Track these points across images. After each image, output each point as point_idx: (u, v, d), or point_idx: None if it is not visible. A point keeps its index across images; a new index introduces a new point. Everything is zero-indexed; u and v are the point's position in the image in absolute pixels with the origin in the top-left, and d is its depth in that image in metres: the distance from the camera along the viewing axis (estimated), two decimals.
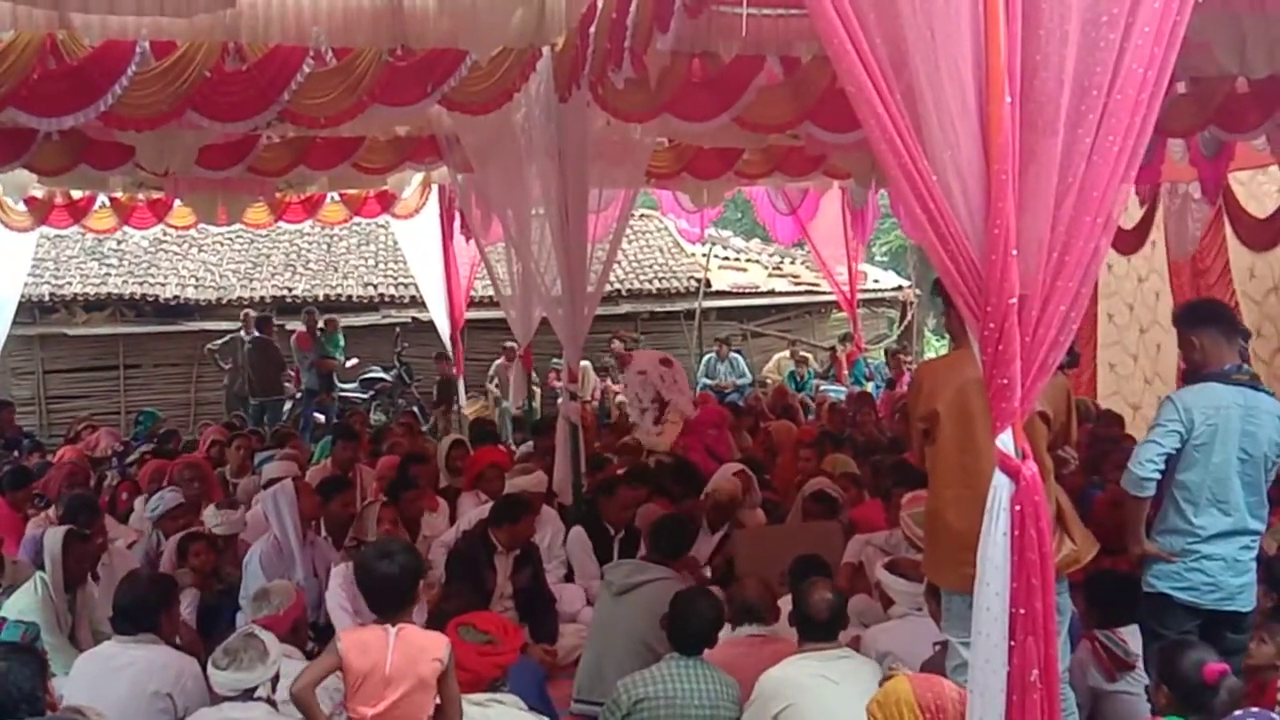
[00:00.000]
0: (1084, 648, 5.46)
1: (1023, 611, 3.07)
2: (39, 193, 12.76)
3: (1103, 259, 3.34)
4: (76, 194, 12.93)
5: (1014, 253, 3.05)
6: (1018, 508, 3.09)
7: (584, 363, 11.60)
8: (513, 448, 11.27)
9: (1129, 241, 11.62)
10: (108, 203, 13.32)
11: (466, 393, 16.48)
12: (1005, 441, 3.12)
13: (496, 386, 16.19)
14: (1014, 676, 3.07)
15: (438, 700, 3.99)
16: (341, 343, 16.71)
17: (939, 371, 4.88)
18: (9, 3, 5.70)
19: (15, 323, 15.36)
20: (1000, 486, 3.12)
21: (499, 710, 4.43)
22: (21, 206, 13.15)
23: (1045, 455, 4.67)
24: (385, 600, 4.13)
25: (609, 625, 6.04)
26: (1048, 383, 3.33)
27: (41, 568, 6.57)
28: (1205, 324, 5.40)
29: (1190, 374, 5.41)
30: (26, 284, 15.65)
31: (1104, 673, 5.48)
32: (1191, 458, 5.10)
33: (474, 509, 7.87)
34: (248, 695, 4.60)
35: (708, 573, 7.19)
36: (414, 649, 3.99)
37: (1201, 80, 7.74)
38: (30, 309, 16.39)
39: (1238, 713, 3.23)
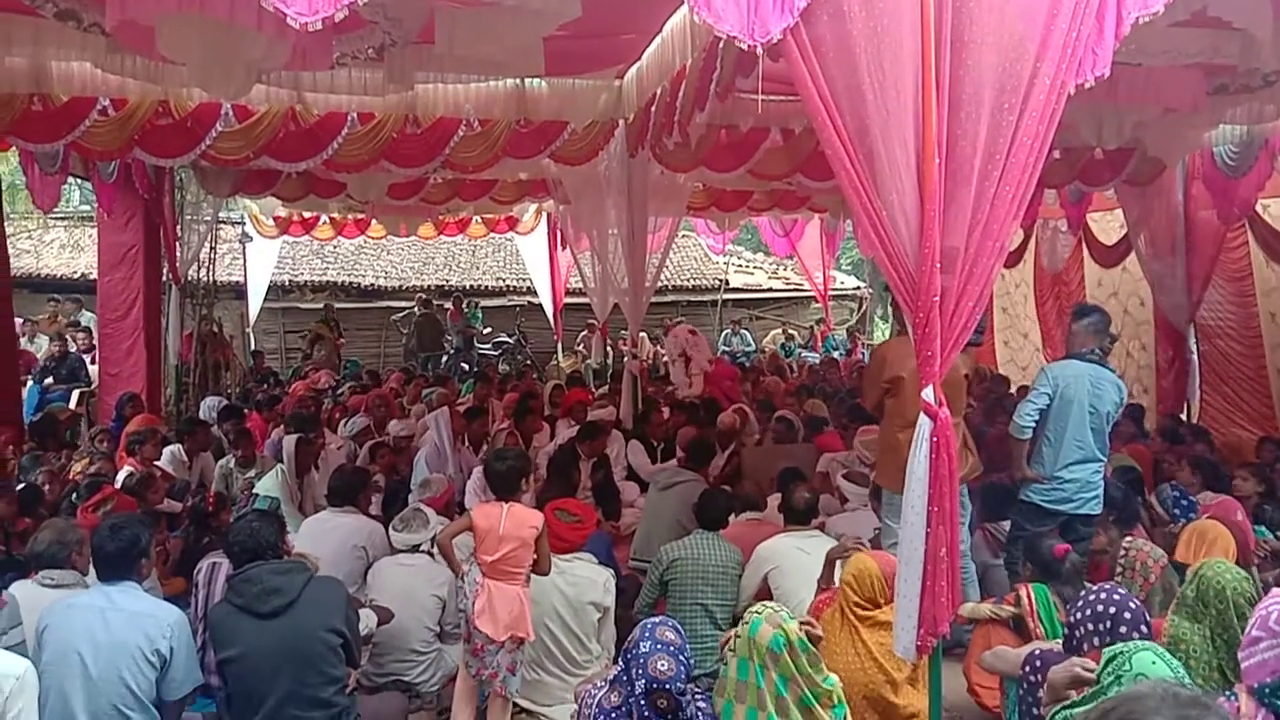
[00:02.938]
0: (979, 534, 5.41)
1: (935, 508, 3.05)
2: (283, 212, 12.93)
3: (999, 272, 3.29)
4: (307, 214, 12.99)
5: (938, 265, 3.01)
6: (935, 439, 3.06)
7: (642, 334, 11.57)
8: (593, 391, 11.28)
9: (1011, 259, 11.47)
10: (328, 220, 13.40)
11: (563, 353, 16.52)
12: (928, 394, 3.08)
13: (584, 349, 16.16)
14: (930, 552, 3.05)
15: (534, 556, 4.03)
16: (480, 317, 16.75)
17: (899, 349, 4.67)
18: (263, 85, 5.73)
19: (266, 299, 15.65)
20: (924, 424, 3.08)
21: (580, 564, 4.46)
22: (270, 221, 13.34)
23: (964, 399, 4.62)
24: (502, 485, 4.12)
25: (656, 509, 6.04)
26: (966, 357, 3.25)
27: (281, 461, 6.71)
28: (1084, 318, 5.32)
29: (1066, 352, 5.34)
30: (273, 274, 15.94)
31: (991, 552, 5.44)
32: (1057, 411, 5.04)
33: (567, 430, 7.88)
34: (414, 549, 4.70)
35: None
36: (519, 518, 4.00)
37: (1070, 149, 7.56)
38: (276, 290, 16.52)
39: (1093, 586, 3.12)
